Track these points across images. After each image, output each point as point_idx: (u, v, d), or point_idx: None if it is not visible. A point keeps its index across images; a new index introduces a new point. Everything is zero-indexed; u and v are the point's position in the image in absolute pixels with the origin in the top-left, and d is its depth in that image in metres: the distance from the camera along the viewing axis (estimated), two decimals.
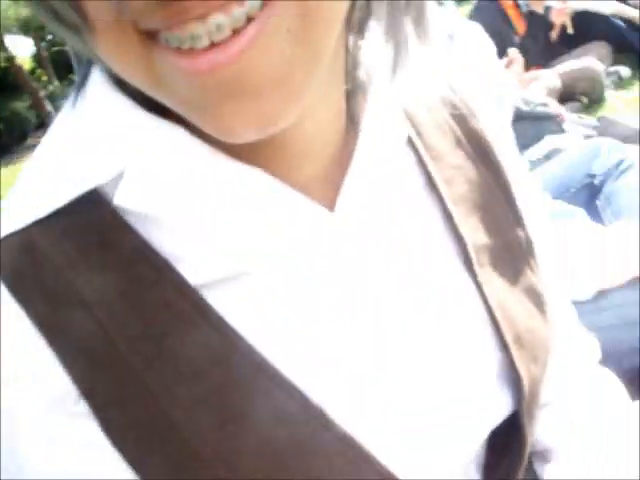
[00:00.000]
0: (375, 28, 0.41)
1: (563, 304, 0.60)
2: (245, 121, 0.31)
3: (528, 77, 2.89)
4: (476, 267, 0.47)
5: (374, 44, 0.43)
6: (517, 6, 3.60)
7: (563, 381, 0.60)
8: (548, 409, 0.59)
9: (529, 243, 0.52)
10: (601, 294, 1.08)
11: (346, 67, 0.42)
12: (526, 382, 0.48)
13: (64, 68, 16.01)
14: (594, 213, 1.46)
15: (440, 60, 0.53)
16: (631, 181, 1.49)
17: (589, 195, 1.55)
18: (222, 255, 0.38)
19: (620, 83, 3.75)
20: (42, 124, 13.99)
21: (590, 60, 3.47)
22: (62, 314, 0.37)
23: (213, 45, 0.29)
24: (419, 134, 0.48)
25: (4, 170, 10.85)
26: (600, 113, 2.99)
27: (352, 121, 0.44)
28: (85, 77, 0.41)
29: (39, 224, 0.38)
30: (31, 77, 14.95)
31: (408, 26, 0.40)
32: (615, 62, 3.93)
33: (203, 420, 0.37)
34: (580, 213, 1.39)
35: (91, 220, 0.38)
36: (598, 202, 1.52)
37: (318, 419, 0.39)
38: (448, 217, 0.47)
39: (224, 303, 0.39)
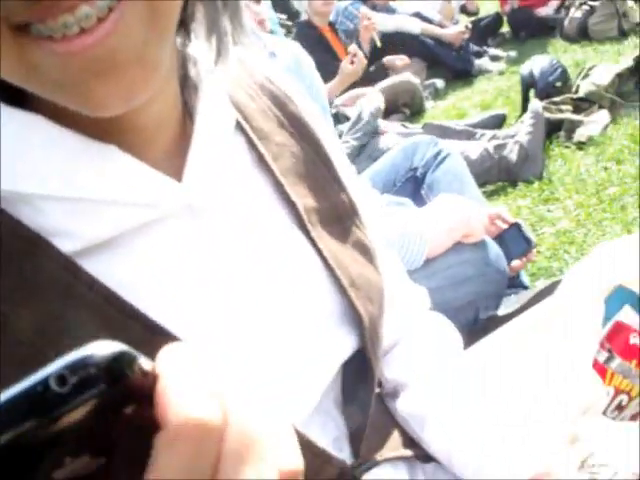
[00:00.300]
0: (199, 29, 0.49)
1: (391, 259, 0.68)
2: (112, 95, 0.37)
3: (354, 94, 3.05)
4: (308, 225, 0.54)
5: (200, 43, 0.49)
6: (334, 30, 3.79)
7: (403, 323, 0.68)
8: (395, 350, 0.67)
9: (352, 205, 0.60)
10: (429, 261, 1.18)
11: (178, 64, 0.48)
12: (366, 318, 0.55)
13: None
14: (419, 202, 1.58)
15: (258, 58, 0.62)
16: (449, 168, 1.63)
17: (413, 187, 1.67)
18: (89, 225, 0.43)
19: (436, 94, 4.09)
20: None
21: (407, 75, 3.75)
22: None
23: (82, 31, 0.34)
24: (246, 118, 0.55)
25: None
26: (422, 122, 3.23)
27: (188, 110, 0.50)
28: None
29: None
30: None
31: (226, 23, 0.48)
32: (429, 76, 4.29)
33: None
34: (408, 203, 1.50)
35: None
36: (422, 191, 1.64)
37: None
38: (279, 186, 0.54)
39: (96, 267, 0.43)
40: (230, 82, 0.55)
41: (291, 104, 0.59)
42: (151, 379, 0.22)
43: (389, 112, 3.33)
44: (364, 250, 0.59)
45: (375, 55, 4.00)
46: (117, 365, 0.21)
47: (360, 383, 0.58)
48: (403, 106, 3.57)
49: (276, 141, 0.56)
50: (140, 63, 0.37)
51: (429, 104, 3.87)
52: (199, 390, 0.22)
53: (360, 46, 3.53)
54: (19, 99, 0.42)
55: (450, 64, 4.39)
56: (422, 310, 0.72)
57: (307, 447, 0.50)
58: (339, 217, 0.58)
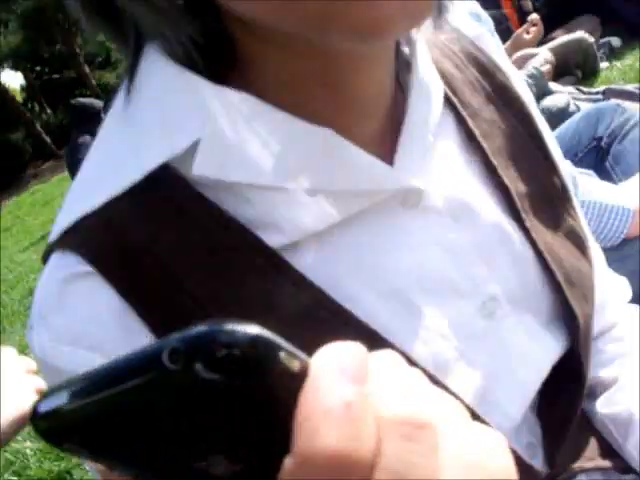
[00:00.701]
0: None
1: (595, 246, 0.62)
2: (399, 7, 0.31)
3: (523, 55, 2.89)
4: (522, 214, 0.49)
5: None
6: None
7: (607, 316, 0.62)
8: (597, 345, 0.61)
9: (565, 189, 0.54)
10: (621, 244, 1.09)
11: None
12: (581, 318, 0.50)
13: (55, 97, 16.15)
14: (604, 174, 1.47)
15: (463, 20, 0.56)
16: (637, 138, 1.50)
17: (596, 158, 1.55)
18: (298, 217, 0.39)
19: (612, 53, 3.75)
20: (40, 153, 14.07)
21: (580, 33, 3.47)
22: (149, 288, 0.38)
23: None
24: (454, 92, 0.50)
25: (10, 201, 10.88)
26: (596, 85, 2.99)
27: (399, 82, 0.46)
28: (135, 62, 0.41)
29: (115, 202, 0.38)
30: (24, 108, 15.04)
31: None
32: (604, 34, 3.94)
33: None
34: (592, 175, 1.40)
35: (167, 194, 0.39)
36: (607, 163, 1.52)
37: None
38: (490, 169, 0.49)
39: (303, 263, 0.40)
40: (436, 50, 0.51)
41: (500, 74, 0.54)
42: (298, 381, 0.18)
43: (559, 73, 3.12)
44: (577, 240, 0.53)
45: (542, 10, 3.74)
46: (254, 352, 0.17)
47: (566, 386, 0.53)
48: (575, 67, 3.32)
49: (485, 117, 0.51)
50: None
51: (603, 65, 3.57)
52: (350, 412, 0.17)
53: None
54: (224, 77, 0.38)
55: (629, 19, 4.00)
56: (624, 302, 0.66)
57: None
58: (551, 202, 0.53)
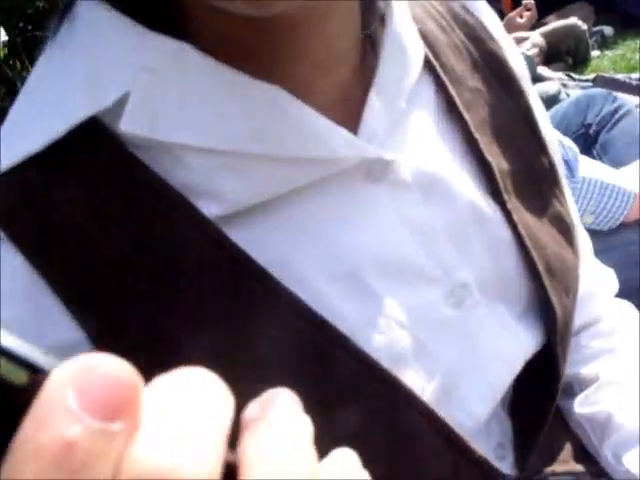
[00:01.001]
0: None
1: (583, 233, 0.59)
2: None
3: (514, 38, 2.86)
4: (504, 194, 0.45)
5: None
6: None
7: (590, 309, 0.58)
8: (577, 340, 0.57)
9: (554, 170, 0.50)
10: (608, 234, 1.07)
11: None
12: (559, 311, 0.46)
13: (37, 55, 15.74)
14: None
15: None
16: (627, 128, 1.47)
17: (584, 145, 1.53)
18: (241, 184, 0.35)
19: (603, 42, 3.73)
20: None
21: (573, 19, 3.44)
22: (65, 256, 0.34)
23: None
24: (435, 55, 0.45)
25: None
26: (586, 73, 2.97)
27: (369, 40, 0.42)
28: (70, 3, 0.37)
29: (34, 160, 0.34)
30: (5, 65, 14.67)
31: None
32: (598, 22, 3.91)
33: (204, 342, 0.35)
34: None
35: (92, 152, 0.35)
36: (594, 151, 1.50)
37: (349, 354, 0.37)
38: (471, 142, 0.45)
39: (244, 236, 0.36)
40: (419, 8, 0.46)
41: (490, 41, 0.49)
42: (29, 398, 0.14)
43: (550, 59, 3.09)
44: (563, 227, 0.49)
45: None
46: None
47: (540, 384, 0.49)
48: (566, 53, 3.29)
49: (469, 86, 0.46)
50: None
51: (594, 53, 3.55)
52: (69, 455, 0.13)
53: None
54: (168, 28, 0.34)
55: (623, 9, 3.97)
56: (610, 295, 0.62)
57: (463, 453, 0.42)
58: (537, 184, 0.48)
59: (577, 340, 0.57)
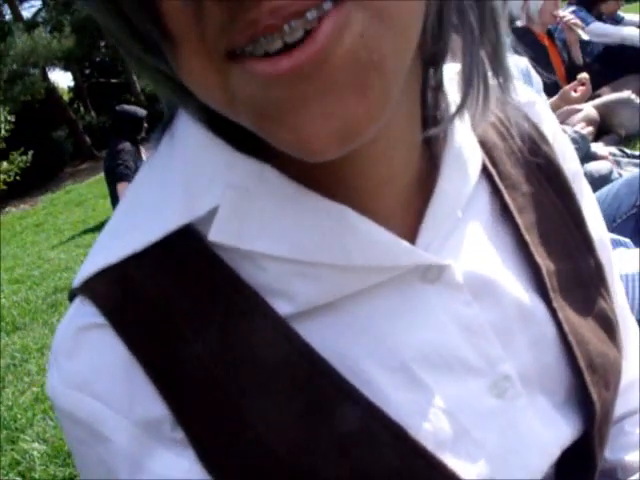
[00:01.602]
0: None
1: (633, 325, 0.61)
2: (326, 128, 0.30)
3: (567, 110, 2.89)
4: (551, 293, 0.48)
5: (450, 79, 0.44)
6: (552, 38, 3.61)
7: (633, 395, 0.60)
8: (622, 426, 0.59)
9: (599, 269, 0.52)
10: None
11: (423, 98, 0.43)
12: (598, 406, 0.48)
13: (100, 101, 16.49)
14: None
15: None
16: None
17: (636, 226, 1.53)
18: (311, 289, 0.40)
19: None
20: (79, 153, 14.34)
21: (627, 93, 3.45)
22: (159, 344, 0.39)
23: (287, 47, 0.28)
24: (493, 162, 0.49)
25: (46, 197, 11.08)
26: (638, 147, 2.96)
27: (429, 150, 0.45)
28: (172, 118, 0.43)
29: (135, 258, 0.39)
30: (69, 108, 15.39)
31: (485, 60, 0.40)
32: None
33: (293, 442, 0.39)
34: (628, 244, 1.38)
35: (185, 254, 0.40)
36: None
37: (399, 440, 0.40)
38: (522, 244, 0.48)
39: (311, 332, 0.40)
40: (483, 121, 0.48)
41: (545, 145, 0.52)
42: None
43: (601, 132, 3.10)
44: (607, 324, 0.51)
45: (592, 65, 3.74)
46: None
47: (577, 472, 0.51)
48: (619, 127, 3.30)
49: (523, 190, 0.49)
50: (362, 88, 0.29)
51: None
52: None
53: (570, 55, 3.35)
54: (249, 145, 0.38)
55: None
56: None
57: None
58: (582, 283, 0.51)
59: (621, 426, 0.58)
